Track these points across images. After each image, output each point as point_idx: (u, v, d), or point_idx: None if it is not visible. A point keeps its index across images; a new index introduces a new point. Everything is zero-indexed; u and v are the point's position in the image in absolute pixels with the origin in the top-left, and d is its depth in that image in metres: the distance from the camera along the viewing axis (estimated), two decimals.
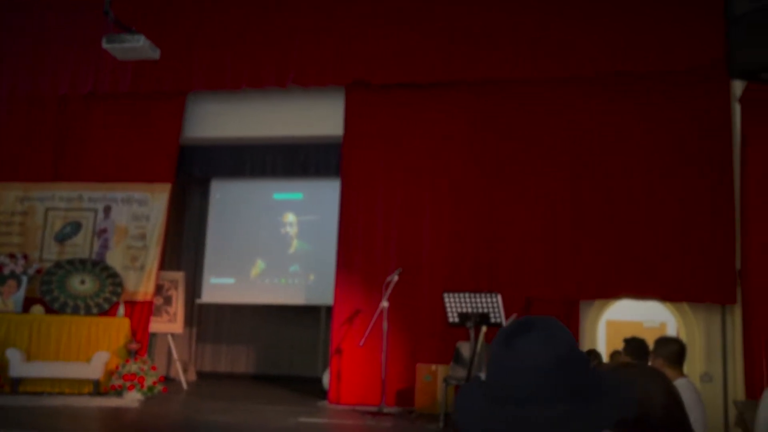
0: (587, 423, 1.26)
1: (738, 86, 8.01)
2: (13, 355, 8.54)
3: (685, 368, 7.79)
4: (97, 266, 9.47)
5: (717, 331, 8.00)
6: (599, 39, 8.50)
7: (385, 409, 8.13)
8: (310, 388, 9.67)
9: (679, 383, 3.91)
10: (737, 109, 8.05)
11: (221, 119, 9.98)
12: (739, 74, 7.84)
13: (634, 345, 5.84)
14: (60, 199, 9.92)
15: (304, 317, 11.02)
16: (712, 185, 8.08)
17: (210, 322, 11.52)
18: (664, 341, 4.83)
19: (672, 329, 8.67)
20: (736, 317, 7.88)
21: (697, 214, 8.08)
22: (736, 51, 7.71)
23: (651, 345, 5.73)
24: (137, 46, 8.16)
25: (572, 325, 8.32)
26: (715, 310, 8.05)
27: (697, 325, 8.07)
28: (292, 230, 10.57)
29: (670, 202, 8.19)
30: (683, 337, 8.20)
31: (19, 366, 8.53)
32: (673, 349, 4.65)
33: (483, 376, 1.45)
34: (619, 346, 7.12)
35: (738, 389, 7.70)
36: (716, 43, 7.70)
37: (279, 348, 11.21)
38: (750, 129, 7.86)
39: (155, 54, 8.47)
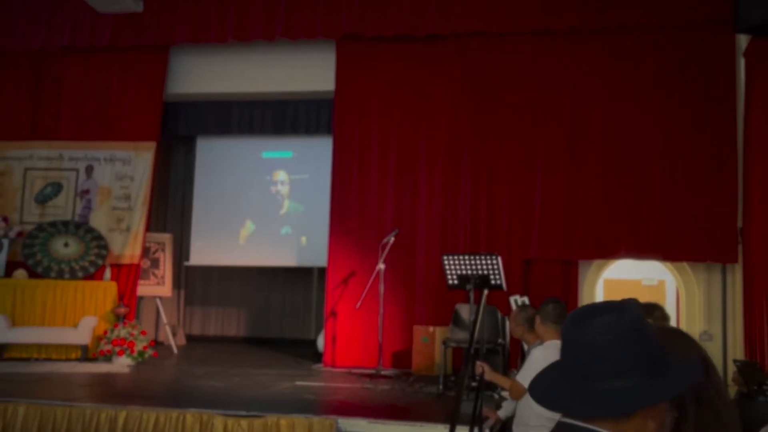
0: (657, 394, 1.33)
1: (743, 41, 7.81)
2: None
3: (685, 327, 7.76)
4: (81, 228, 9.16)
5: (717, 290, 7.94)
6: None
7: (383, 371, 8.01)
8: (303, 351, 9.54)
9: None
10: (742, 64, 7.85)
11: (206, 74, 9.58)
12: (744, 29, 7.64)
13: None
14: (39, 159, 9.53)
15: (296, 279, 10.84)
16: (715, 142, 7.92)
17: (198, 284, 11.28)
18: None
19: (671, 287, 8.61)
20: (736, 276, 7.81)
21: (699, 171, 7.93)
22: (743, 5, 7.49)
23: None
24: None
25: (571, 285, 8.24)
26: (715, 268, 7.98)
27: (697, 283, 8.00)
28: (283, 189, 10.29)
29: (671, 159, 8.02)
30: (683, 296, 8.15)
31: (4, 332, 8.27)
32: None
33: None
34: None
35: (737, 348, 7.68)
36: None
37: (270, 310, 11.03)
38: (754, 85, 7.68)
39: (138, 6, 8.10)
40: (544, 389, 1.44)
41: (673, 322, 8.23)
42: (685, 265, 8.08)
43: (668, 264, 8.24)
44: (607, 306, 1.39)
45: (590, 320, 1.36)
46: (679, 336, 1.76)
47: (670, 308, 8.79)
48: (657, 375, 1.33)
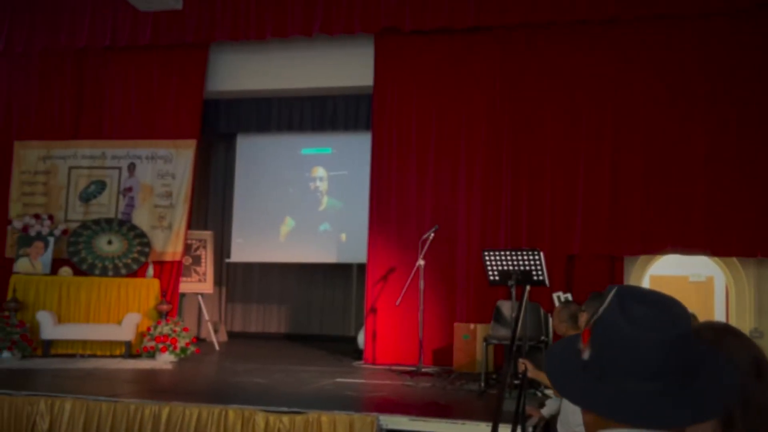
0: (701, 402, 1.21)
1: None
2: (44, 318, 8.41)
3: (735, 324, 7.53)
4: (124, 226, 9.28)
5: None
6: None
7: (423, 369, 7.95)
8: (343, 348, 9.53)
9: None
10: None
11: (246, 72, 9.62)
12: None
13: None
14: (83, 157, 9.67)
15: (336, 275, 10.83)
16: (764, 132, 7.66)
17: (239, 281, 11.36)
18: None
19: (720, 283, 8.37)
20: None
21: (748, 163, 7.68)
22: None
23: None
24: None
25: (615, 281, 8.06)
26: (766, 263, 7.73)
27: (747, 279, 7.75)
28: (322, 185, 10.29)
29: (718, 151, 7.77)
30: (732, 292, 7.92)
31: (50, 328, 8.41)
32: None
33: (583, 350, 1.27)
34: None
35: None
36: None
37: (310, 307, 11.04)
38: None
39: (178, 4, 8.13)
40: (564, 378, 1.29)
41: (722, 319, 8.01)
42: (734, 260, 7.84)
43: (717, 259, 8.01)
44: (655, 301, 1.24)
45: (638, 315, 1.21)
46: (729, 333, 1.66)
47: (719, 305, 8.57)
48: (697, 382, 1.21)
